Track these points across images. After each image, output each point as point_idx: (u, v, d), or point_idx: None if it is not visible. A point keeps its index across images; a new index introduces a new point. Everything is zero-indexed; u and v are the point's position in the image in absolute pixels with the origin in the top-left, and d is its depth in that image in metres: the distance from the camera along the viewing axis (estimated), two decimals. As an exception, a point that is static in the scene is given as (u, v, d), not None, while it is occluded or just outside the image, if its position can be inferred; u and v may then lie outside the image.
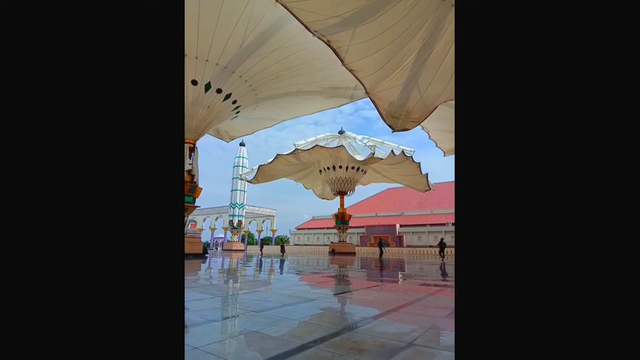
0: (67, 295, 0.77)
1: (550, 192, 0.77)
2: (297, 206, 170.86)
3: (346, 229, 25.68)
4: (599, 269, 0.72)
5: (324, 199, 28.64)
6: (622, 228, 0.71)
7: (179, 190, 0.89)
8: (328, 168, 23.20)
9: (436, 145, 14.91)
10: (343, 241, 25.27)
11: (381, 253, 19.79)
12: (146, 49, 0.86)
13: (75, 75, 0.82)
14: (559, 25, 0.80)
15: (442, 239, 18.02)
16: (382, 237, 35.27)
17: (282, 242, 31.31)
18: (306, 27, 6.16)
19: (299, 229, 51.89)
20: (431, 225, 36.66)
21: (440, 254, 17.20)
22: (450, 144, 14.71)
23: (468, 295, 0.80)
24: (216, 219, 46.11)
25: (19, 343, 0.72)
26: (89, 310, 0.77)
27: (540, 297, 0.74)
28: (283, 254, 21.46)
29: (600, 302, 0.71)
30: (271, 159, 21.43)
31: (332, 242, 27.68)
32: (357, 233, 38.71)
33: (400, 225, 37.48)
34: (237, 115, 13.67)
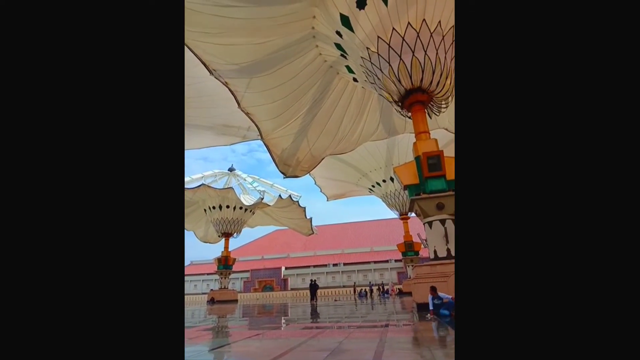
0: (73, 297, 0.79)
1: (546, 208, 0.79)
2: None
3: (229, 274, 23.79)
4: (595, 285, 0.75)
5: (206, 242, 26.16)
6: (619, 242, 0.74)
7: (179, 193, 0.92)
8: (214, 207, 21.71)
9: (321, 191, 16.21)
10: (225, 288, 23.16)
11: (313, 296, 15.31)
12: (147, 50, 0.86)
13: (79, 79, 0.82)
14: (554, 33, 0.80)
15: (311, 281, 16.69)
16: (267, 281, 33.93)
17: None
18: (204, 64, 6.13)
19: (172, 276, 44.80)
20: (314, 266, 38.07)
21: (312, 297, 15.25)
22: (333, 190, 16.32)
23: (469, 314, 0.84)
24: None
25: (20, 345, 0.72)
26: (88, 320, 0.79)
27: (541, 315, 0.78)
28: None
29: (594, 323, 0.74)
30: (145, 194, 18.53)
31: (212, 289, 24.97)
32: (241, 278, 36.36)
33: (286, 268, 37.42)
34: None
